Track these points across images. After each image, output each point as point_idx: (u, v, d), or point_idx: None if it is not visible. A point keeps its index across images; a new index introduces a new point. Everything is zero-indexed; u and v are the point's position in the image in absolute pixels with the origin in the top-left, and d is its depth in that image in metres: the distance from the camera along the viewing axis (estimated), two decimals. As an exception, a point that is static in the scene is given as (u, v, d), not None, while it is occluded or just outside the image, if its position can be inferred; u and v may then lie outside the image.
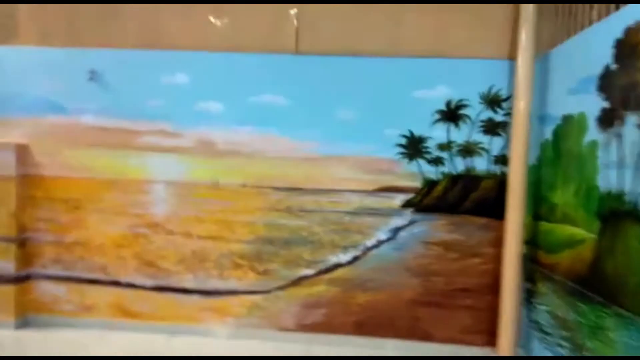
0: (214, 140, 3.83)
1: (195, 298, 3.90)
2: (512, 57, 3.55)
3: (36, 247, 4.00)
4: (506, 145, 3.63)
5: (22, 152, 3.93)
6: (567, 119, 2.94)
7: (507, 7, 3.56)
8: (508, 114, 3.62)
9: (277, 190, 3.84)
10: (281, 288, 3.82)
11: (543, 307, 3.19)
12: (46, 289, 4.01)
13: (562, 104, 3.02)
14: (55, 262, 3.98)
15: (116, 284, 3.95)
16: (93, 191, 3.98)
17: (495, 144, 3.66)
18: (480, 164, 3.68)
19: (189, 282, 3.88)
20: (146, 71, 3.82)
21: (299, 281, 3.80)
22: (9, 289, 3.89)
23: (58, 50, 3.89)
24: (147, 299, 3.93)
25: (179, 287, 3.90)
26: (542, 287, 3.21)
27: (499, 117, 3.64)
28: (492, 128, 3.64)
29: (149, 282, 3.91)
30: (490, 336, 3.67)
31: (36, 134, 3.97)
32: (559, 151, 3.06)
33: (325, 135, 3.74)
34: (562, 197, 2.95)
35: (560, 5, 3.21)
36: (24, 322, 3.97)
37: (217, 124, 3.81)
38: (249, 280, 3.84)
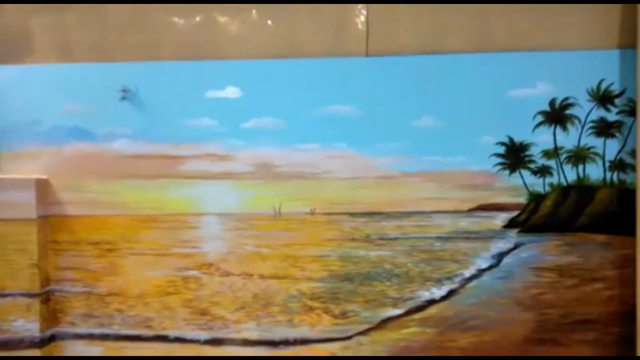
0: (272, 161, 3.24)
1: (259, 350, 3.25)
2: (622, 45, 3.02)
3: (63, 301, 3.34)
4: (622, 148, 3.08)
5: (42, 189, 3.31)
6: None
7: (615, -14, 3.05)
8: (623, 112, 3.07)
9: (351, 216, 3.24)
10: (363, 333, 3.19)
11: None
12: (77, 351, 3.34)
13: None
14: (87, 318, 3.33)
15: (163, 339, 3.30)
16: (129, 230, 3.36)
17: (609, 148, 3.10)
18: (594, 172, 3.11)
19: (251, 331, 3.24)
20: (188, 86, 3.25)
21: (384, 323, 3.18)
22: (33, 354, 3.22)
23: (82, 65, 3.31)
24: (201, 354, 3.28)
25: (239, 338, 3.26)
26: None
27: (612, 116, 3.09)
28: (604, 129, 3.09)
29: (203, 335, 3.26)
30: (622, 377, 3.06)
31: (58, 167, 3.36)
32: None
33: (405, 149, 3.17)
34: None
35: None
36: (52, 393, 3.29)
37: (275, 142, 3.23)
38: (323, 325, 3.20)
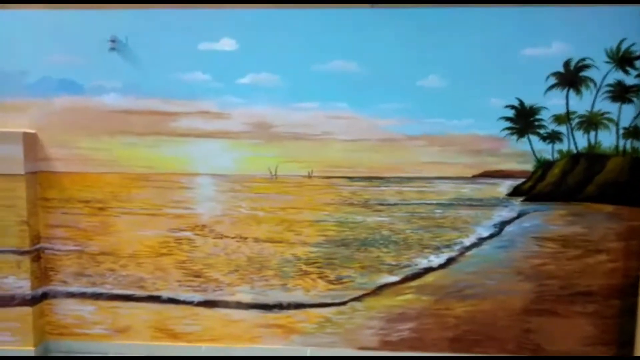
0: (270, 121, 3.08)
1: (253, 314, 3.20)
2: (647, 3, 2.79)
3: (54, 259, 3.28)
4: (639, 114, 2.90)
5: (30, 144, 3.18)
6: None
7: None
8: (643, 75, 2.87)
9: (350, 180, 3.11)
10: (358, 299, 3.13)
11: None
12: (69, 309, 3.31)
13: None
14: (79, 277, 3.27)
15: (155, 299, 3.25)
16: (121, 189, 3.24)
17: (625, 114, 2.92)
18: (606, 139, 2.95)
19: (244, 295, 3.18)
20: (180, 36, 3.04)
21: (380, 290, 3.11)
22: (25, 312, 3.18)
23: (69, 12, 3.09)
24: (194, 316, 3.24)
25: (233, 301, 3.20)
26: None
27: (630, 80, 2.89)
28: (621, 93, 2.91)
29: (196, 297, 3.21)
30: (621, 348, 3.01)
31: (47, 120, 3.21)
32: None
33: (410, 110, 3.00)
34: None
35: None
36: (44, 349, 3.28)
37: (273, 100, 3.06)
38: (318, 290, 3.14)
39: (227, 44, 3.02)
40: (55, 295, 3.29)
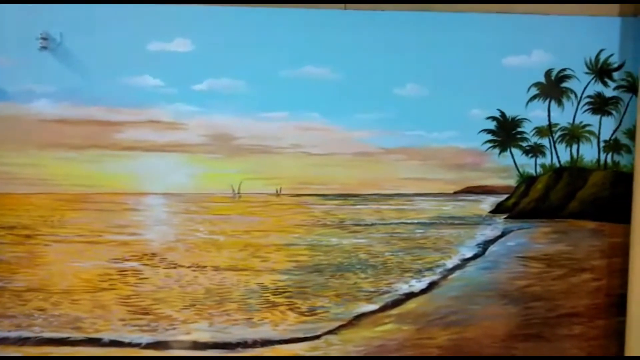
0: (231, 132, 2.73)
1: (211, 354, 2.78)
2: (624, 13, 2.74)
3: (-33, 298, 2.71)
4: (618, 127, 2.82)
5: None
6: None
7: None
8: (621, 87, 2.81)
9: (323, 198, 2.81)
10: (333, 332, 2.80)
11: None
12: (-14, 359, 2.74)
13: None
14: (0, 319, 2.73)
15: (95, 342, 2.75)
16: (52, 212, 2.76)
17: (605, 126, 2.83)
18: (588, 153, 2.84)
19: (202, 333, 2.76)
20: (127, 35, 2.65)
21: (357, 320, 2.80)
22: None
23: (-11, 5, 2.61)
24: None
25: (189, 340, 2.77)
26: None
27: (609, 92, 2.82)
28: (601, 105, 2.82)
29: (145, 338, 2.75)
30: (608, 372, 2.87)
31: (-41, 132, 2.69)
32: None
33: (386, 121, 2.76)
34: None
35: None
36: (-48, 410, 2.68)
37: (235, 109, 2.72)
38: (288, 324, 2.78)
39: (182, 45, 2.65)
40: (-33, 342, 2.72)
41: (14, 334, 2.73)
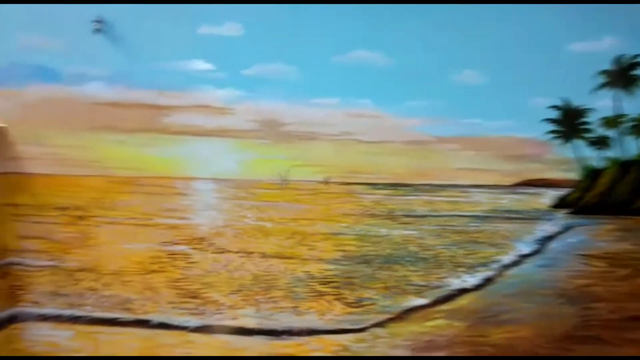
0: (280, 118, 2.68)
1: (257, 341, 2.77)
2: None
3: (24, 276, 2.79)
4: (697, 118, 2.59)
5: (-2, 141, 2.70)
6: None
7: None
8: (701, 74, 2.57)
9: (373, 187, 2.74)
10: (381, 325, 2.73)
11: None
12: (41, 335, 2.82)
13: None
14: (53, 297, 2.80)
15: (144, 324, 2.79)
16: (104, 194, 2.79)
17: (682, 117, 2.60)
18: (661, 145, 2.63)
19: (248, 319, 2.75)
20: (178, 19, 2.61)
21: (406, 314, 2.73)
22: (-12, 338, 2.69)
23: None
24: (189, 344, 2.79)
25: (234, 326, 2.77)
26: None
27: (688, 79, 2.58)
28: (678, 94, 2.59)
29: (191, 321, 2.76)
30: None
31: (17, 113, 2.74)
32: None
33: (441, 109, 2.65)
34: None
35: None
36: (10, 382, 2.77)
37: (285, 94, 2.66)
38: (335, 314, 2.74)
39: (232, 29, 2.62)
40: (25, 318, 2.80)
41: (67, 312, 2.80)
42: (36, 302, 2.80)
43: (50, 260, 2.80)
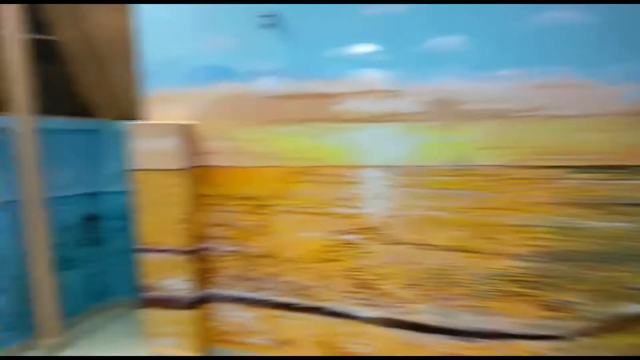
0: (455, 96, 2.40)
1: (436, 339, 2.57)
2: None
3: (214, 260, 3.03)
4: None
5: (188, 137, 2.96)
6: None
7: None
8: None
9: (573, 171, 2.29)
10: (588, 333, 2.29)
11: None
12: (230, 316, 3.05)
13: None
14: (239, 281, 2.98)
15: (317, 311, 2.81)
16: (281, 184, 2.86)
17: None
18: None
19: (428, 315, 2.56)
20: (342, 5, 2.50)
21: (620, 323, 2.23)
22: (186, 316, 2.99)
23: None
24: (365, 335, 2.72)
25: (411, 321, 2.61)
26: None
27: None
28: None
29: (366, 312, 2.68)
30: None
31: (204, 111, 2.96)
32: None
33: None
34: None
35: None
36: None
37: (459, 69, 2.36)
38: (528, 317, 2.38)
39: (397, 6, 2.40)
40: (215, 299, 3.06)
41: (249, 295, 2.96)
42: (224, 285, 3.03)
43: (234, 246, 2.99)
